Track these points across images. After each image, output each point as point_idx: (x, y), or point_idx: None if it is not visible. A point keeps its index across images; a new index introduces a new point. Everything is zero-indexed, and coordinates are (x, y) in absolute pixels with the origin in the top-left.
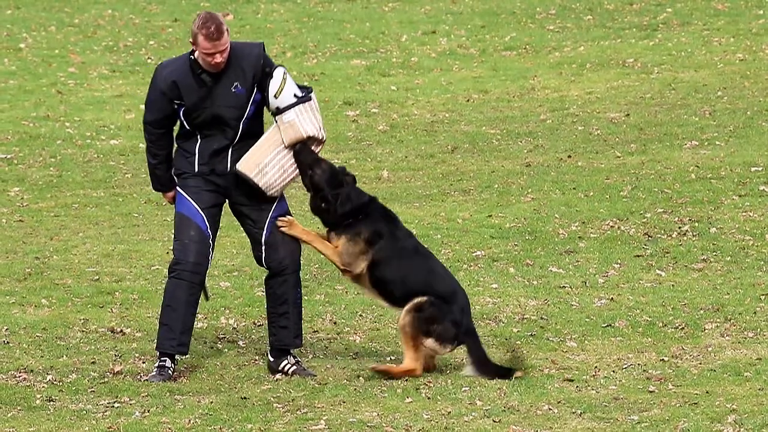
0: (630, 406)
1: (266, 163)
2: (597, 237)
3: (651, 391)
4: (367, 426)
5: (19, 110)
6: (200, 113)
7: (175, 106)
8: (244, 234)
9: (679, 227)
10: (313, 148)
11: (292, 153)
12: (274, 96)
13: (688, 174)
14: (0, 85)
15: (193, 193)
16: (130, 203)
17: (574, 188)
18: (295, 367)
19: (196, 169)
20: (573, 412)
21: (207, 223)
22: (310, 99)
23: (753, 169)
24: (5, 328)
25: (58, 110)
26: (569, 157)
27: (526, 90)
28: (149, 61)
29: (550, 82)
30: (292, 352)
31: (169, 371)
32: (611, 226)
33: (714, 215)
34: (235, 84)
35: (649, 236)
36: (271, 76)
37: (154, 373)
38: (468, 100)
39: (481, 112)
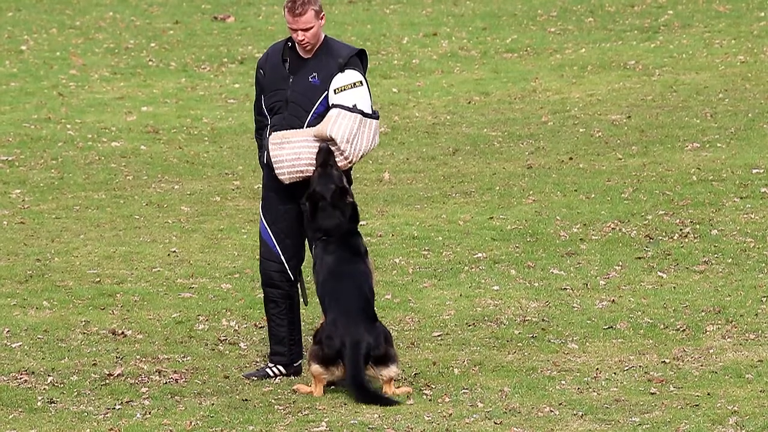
0: (631, 407)
1: (290, 140)
2: (598, 239)
3: (652, 393)
4: (369, 428)
5: (20, 112)
6: (275, 94)
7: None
8: (245, 236)
9: (681, 229)
10: (337, 157)
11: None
12: (335, 91)
13: (689, 176)
14: (1, 87)
15: (266, 207)
16: (131, 205)
17: (575, 190)
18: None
19: (265, 161)
20: (574, 414)
21: (273, 237)
22: (364, 115)
23: (754, 171)
24: (6, 329)
25: (59, 112)
26: (570, 159)
27: (528, 92)
28: (150, 63)
29: (551, 84)
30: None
31: (268, 371)
32: (612, 228)
33: (715, 217)
34: (314, 74)
35: (650, 238)
36: (342, 72)
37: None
38: (469, 102)
39: (482, 114)
